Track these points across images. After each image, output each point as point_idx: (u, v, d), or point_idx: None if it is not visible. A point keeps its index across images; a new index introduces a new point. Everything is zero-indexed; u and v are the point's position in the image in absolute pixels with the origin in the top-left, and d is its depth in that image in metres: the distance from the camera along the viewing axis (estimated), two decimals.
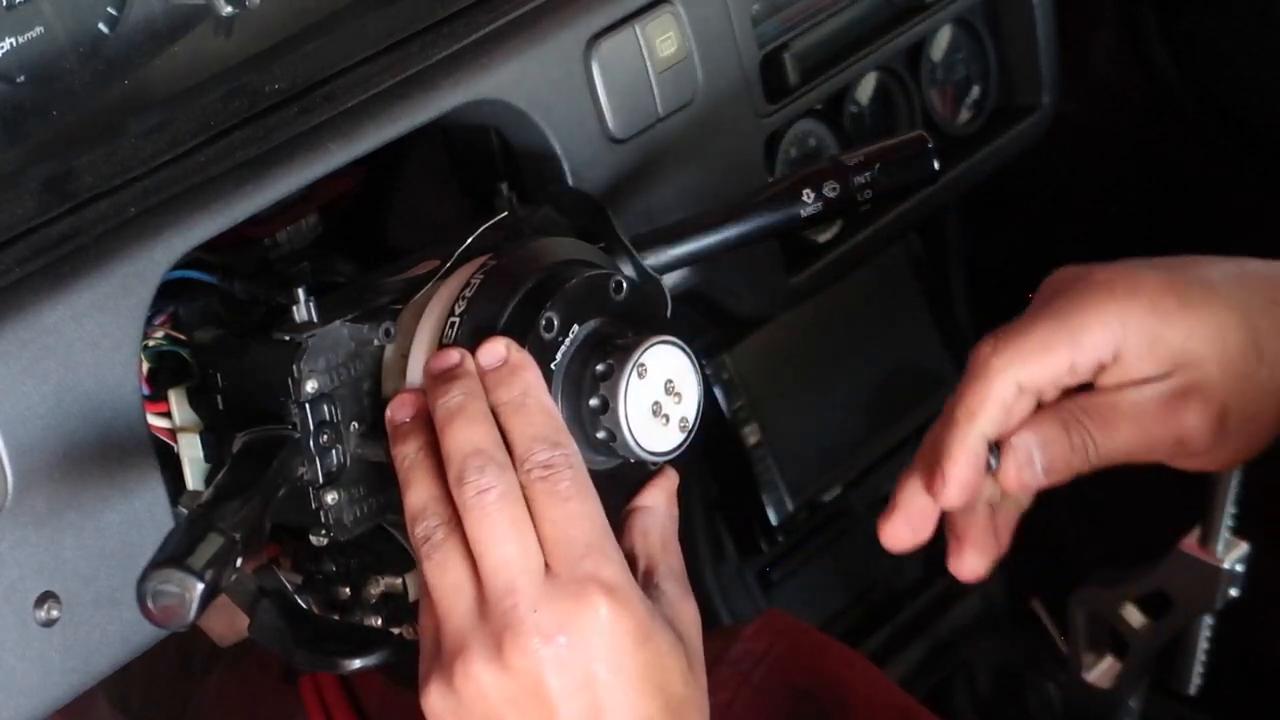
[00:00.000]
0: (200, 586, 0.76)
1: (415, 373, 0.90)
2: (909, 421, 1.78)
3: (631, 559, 0.89)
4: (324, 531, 0.93)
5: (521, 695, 0.81)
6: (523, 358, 0.86)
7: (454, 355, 0.86)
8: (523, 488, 0.82)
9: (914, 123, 1.42)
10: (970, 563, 0.98)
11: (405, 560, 0.98)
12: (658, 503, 0.91)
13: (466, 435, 0.83)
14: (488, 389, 0.85)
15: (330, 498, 0.92)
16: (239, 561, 0.79)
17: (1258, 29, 1.61)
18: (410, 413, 0.87)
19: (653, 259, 0.98)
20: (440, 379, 0.86)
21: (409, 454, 0.85)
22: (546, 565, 0.82)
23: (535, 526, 0.82)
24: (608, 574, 0.82)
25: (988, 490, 0.97)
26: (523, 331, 0.87)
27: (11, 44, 0.94)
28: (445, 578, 0.83)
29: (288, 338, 0.91)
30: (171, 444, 0.97)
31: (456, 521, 0.82)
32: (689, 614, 0.88)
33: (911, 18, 1.37)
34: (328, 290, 0.96)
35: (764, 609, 1.74)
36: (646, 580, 0.88)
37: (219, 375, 0.95)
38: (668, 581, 0.88)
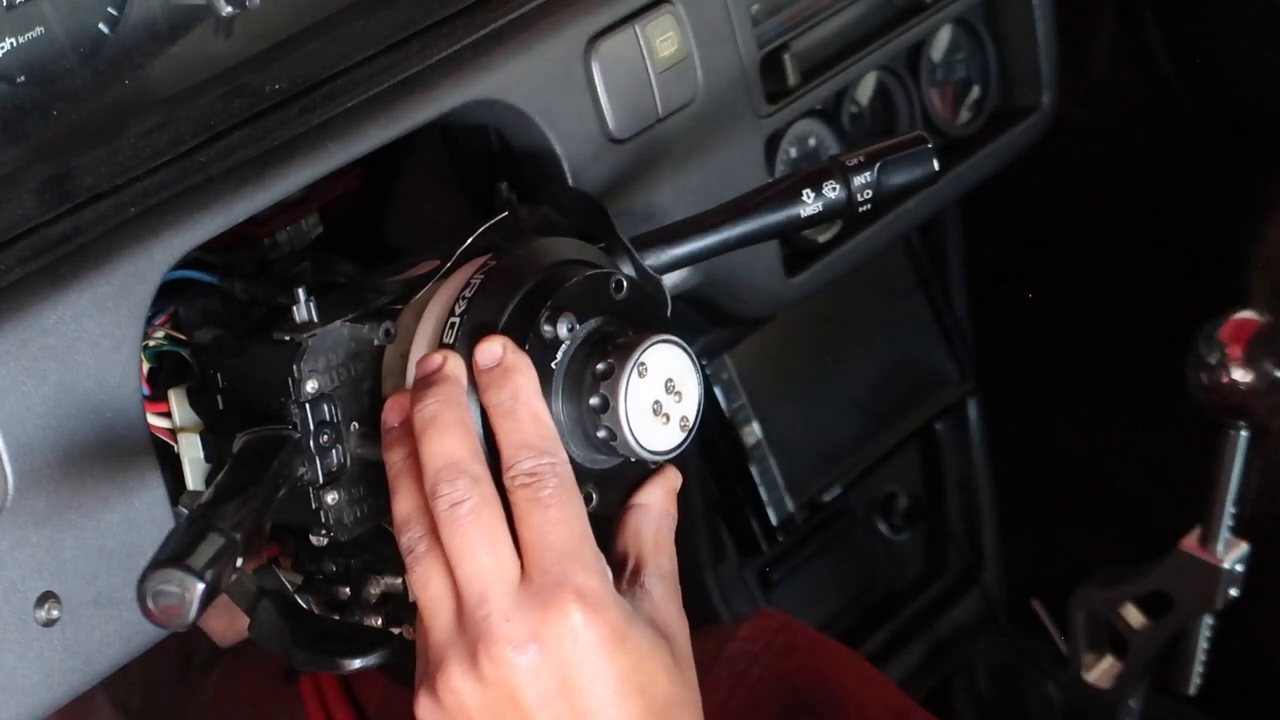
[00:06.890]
0: (200, 586, 0.76)
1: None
2: (909, 421, 1.78)
3: (623, 556, 0.89)
4: (324, 531, 0.93)
5: (499, 704, 0.81)
6: (517, 360, 0.85)
7: (435, 360, 0.86)
8: (508, 493, 0.82)
9: (914, 123, 1.42)
10: None
11: None
12: (654, 500, 0.91)
13: (439, 447, 0.82)
14: (481, 389, 0.85)
15: (330, 498, 0.92)
16: (239, 561, 0.79)
17: (1256, 29, 1.61)
18: (400, 417, 0.86)
19: (653, 259, 0.98)
20: (419, 385, 0.85)
21: (396, 461, 0.85)
22: (524, 572, 0.82)
23: (518, 532, 0.82)
24: (580, 580, 0.81)
25: None
26: (523, 331, 0.87)
27: (11, 44, 0.94)
28: (427, 590, 0.83)
29: (288, 338, 0.91)
30: (171, 444, 0.97)
31: (437, 532, 0.82)
32: (673, 612, 0.87)
33: (911, 18, 1.36)
34: (328, 290, 0.96)
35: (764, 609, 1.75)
36: (633, 578, 0.87)
37: (219, 375, 0.95)
38: (653, 580, 0.87)
